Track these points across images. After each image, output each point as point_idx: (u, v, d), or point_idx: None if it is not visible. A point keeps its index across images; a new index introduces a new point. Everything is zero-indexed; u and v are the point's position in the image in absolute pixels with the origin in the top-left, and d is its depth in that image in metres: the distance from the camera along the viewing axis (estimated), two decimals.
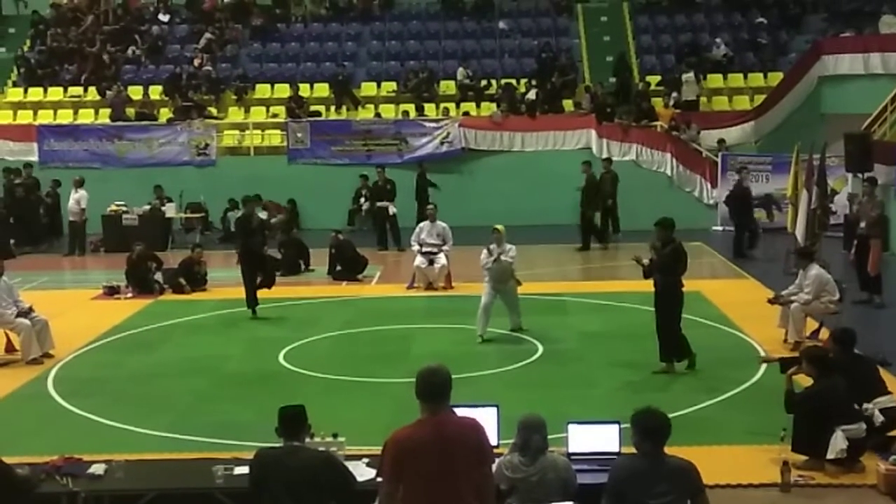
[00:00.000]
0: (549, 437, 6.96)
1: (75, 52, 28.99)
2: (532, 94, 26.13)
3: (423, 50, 29.04)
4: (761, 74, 27.03)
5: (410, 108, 26.45)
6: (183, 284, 17.36)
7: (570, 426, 8.04)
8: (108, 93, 27.10)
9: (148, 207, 23.15)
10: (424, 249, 17.37)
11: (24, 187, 23.12)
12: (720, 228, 23.85)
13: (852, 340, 9.33)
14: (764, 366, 11.31)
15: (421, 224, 18.01)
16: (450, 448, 5.44)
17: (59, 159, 25.63)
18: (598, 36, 28.84)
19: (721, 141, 24.92)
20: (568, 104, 26.36)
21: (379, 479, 6.08)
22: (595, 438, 7.94)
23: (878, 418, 8.75)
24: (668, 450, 6.16)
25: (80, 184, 22.41)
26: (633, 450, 6.23)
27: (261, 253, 15.77)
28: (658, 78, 26.91)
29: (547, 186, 23.77)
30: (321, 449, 7.17)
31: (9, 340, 13.27)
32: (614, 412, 8.53)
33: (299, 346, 13.50)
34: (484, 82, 27.32)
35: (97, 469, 7.83)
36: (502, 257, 13.51)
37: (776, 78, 26.26)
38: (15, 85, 28.41)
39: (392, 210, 21.96)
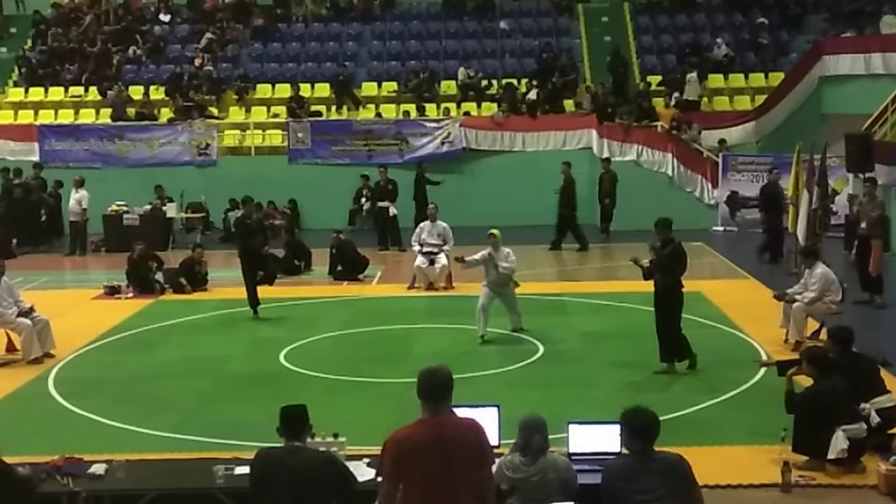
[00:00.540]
0: (550, 437, 6.97)
1: (76, 52, 29.00)
2: (533, 95, 26.12)
3: (424, 50, 29.04)
4: (762, 74, 27.01)
5: (411, 108, 26.43)
6: (184, 284, 17.36)
7: (571, 426, 8.04)
8: (109, 93, 27.10)
9: (149, 207, 23.14)
10: (425, 249, 17.37)
11: (23, 188, 23.10)
12: (721, 229, 23.87)
13: (850, 339, 9.33)
14: (763, 368, 11.31)
15: (421, 224, 18.01)
16: (449, 448, 5.44)
17: (59, 159, 25.62)
18: (598, 36, 28.84)
19: (722, 141, 24.91)
20: (569, 104, 26.37)
21: (379, 479, 6.09)
22: (596, 439, 7.93)
23: (875, 419, 8.74)
24: (668, 450, 6.15)
25: (80, 184, 22.41)
26: None
27: (261, 252, 15.78)
28: (659, 78, 26.89)
29: (548, 186, 23.71)
30: (322, 449, 7.17)
31: (10, 340, 13.27)
32: (615, 412, 8.37)
33: (300, 346, 13.49)
34: (485, 82, 27.31)
35: (98, 469, 7.83)
36: (503, 265, 13.50)
37: (777, 78, 26.25)
38: (16, 85, 28.44)
39: (392, 211, 21.96)
